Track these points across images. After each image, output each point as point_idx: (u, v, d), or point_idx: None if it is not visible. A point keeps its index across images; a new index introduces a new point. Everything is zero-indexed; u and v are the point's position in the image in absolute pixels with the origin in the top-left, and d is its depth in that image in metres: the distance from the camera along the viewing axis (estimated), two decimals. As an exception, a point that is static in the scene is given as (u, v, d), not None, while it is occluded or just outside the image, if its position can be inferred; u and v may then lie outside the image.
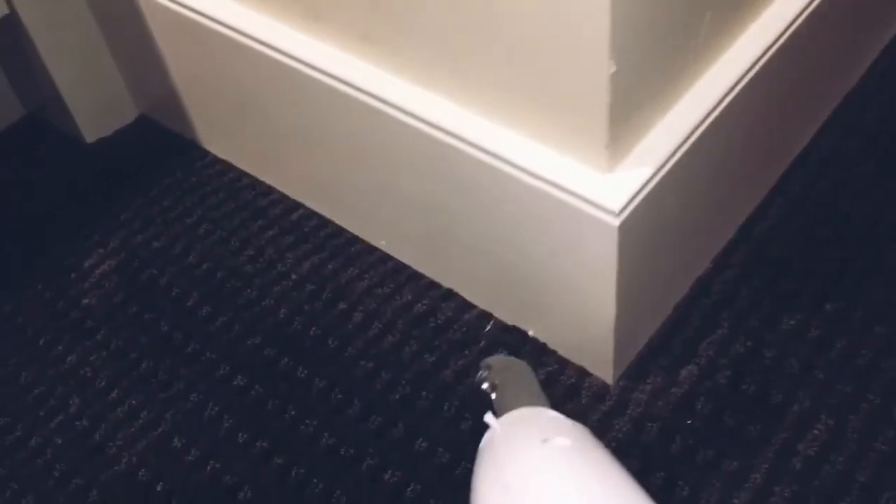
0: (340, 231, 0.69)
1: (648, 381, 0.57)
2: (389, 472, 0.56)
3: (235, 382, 0.61)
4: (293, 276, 0.67)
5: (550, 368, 0.59)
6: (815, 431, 0.54)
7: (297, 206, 0.72)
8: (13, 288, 0.70)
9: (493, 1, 0.46)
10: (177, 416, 0.60)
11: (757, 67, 0.54)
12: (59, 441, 0.60)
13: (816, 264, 0.62)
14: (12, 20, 0.70)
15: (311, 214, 0.71)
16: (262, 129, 0.69)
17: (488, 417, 0.46)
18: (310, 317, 0.64)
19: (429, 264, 0.65)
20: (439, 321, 0.63)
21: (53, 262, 0.71)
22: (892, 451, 0.53)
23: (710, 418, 0.55)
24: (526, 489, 0.41)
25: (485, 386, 0.52)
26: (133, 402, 0.61)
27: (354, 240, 0.68)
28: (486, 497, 0.43)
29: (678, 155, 0.51)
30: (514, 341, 0.60)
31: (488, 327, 0.62)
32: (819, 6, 0.58)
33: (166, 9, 0.66)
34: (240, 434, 0.59)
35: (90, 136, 0.79)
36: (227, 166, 0.76)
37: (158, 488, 0.57)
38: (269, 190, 0.73)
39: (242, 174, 0.75)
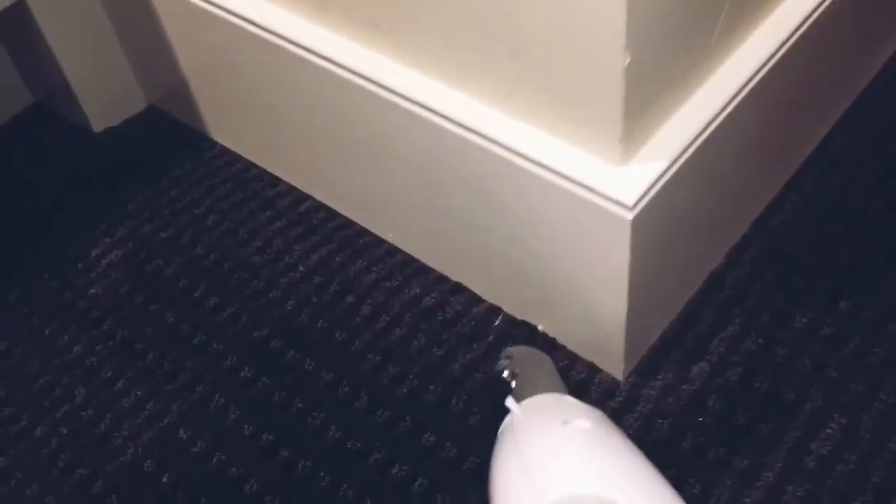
0: (348, 223, 0.69)
1: (659, 377, 0.57)
2: (397, 466, 0.55)
3: (242, 374, 0.61)
4: (301, 268, 0.66)
5: (560, 364, 0.58)
6: (828, 430, 0.54)
7: (305, 197, 0.71)
8: (20, 277, 0.69)
9: (507, -10, 0.46)
10: (183, 407, 0.60)
11: (771, 63, 0.54)
12: (65, 431, 0.60)
13: (829, 261, 0.62)
14: (21, 8, 0.70)
15: (320, 206, 0.70)
16: (271, 120, 0.68)
17: (509, 402, 0.47)
18: (317, 309, 0.64)
19: (437, 257, 0.64)
20: (448, 315, 0.62)
21: (60, 251, 0.70)
22: (906, 451, 0.52)
23: (721, 416, 0.55)
24: (547, 471, 0.41)
25: (505, 374, 0.51)
26: (139, 392, 0.61)
27: (362, 232, 0.68)
28: (506, 479, 0.43)
29: (692, 149, 0.50)
30: (524, 336, 0.60)
31: (497, 322, 0.61)
32: (833, 3, 0.57)
33: (176, -3, 0.65)
34: (246, 426, 0.58)
35: (98, 125, 0.79)
36: (235, 157, 0.75)
37: (164, 479, 0.57)
38: (277, 181, 0.73)
39: (250, 165, 0.74)
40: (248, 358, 0.62)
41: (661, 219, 0.50)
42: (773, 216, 0.64)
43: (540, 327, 0.60)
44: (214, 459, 0.57)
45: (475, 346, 0.60)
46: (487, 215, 0.56)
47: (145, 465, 0.57)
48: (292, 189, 0.72)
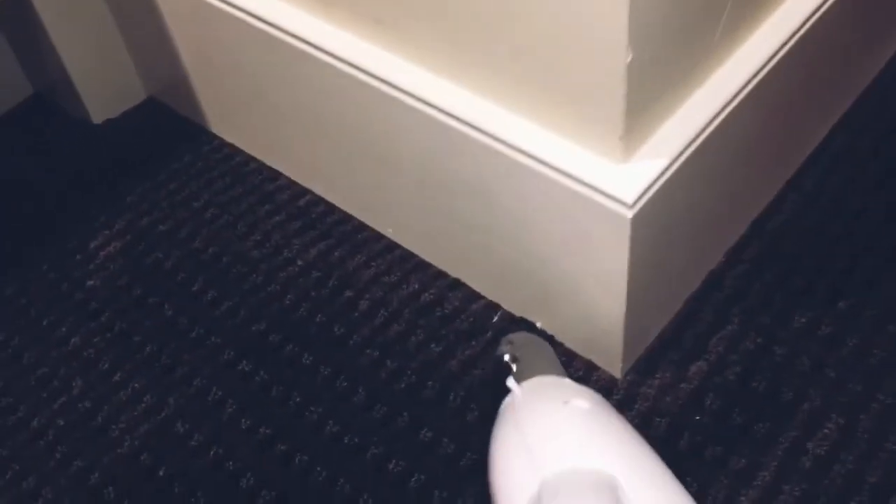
0: (348, 218, 0.69)
1: (657, 375, 0.57)
2: (394, 461, 0.55)
3: (240, 368, 0.61)
4: (299, 263, 0.66)
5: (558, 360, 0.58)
6: (826, 430, 0.54)
7: (305, 191, 0.71)
8: (18, 268, 0.69)
9: (509, -14, 0.45)
10: (180, 400, 0.60)
11: (772, 63, 0.54)
12: (62, 423, 0.60)
13: (829, 261, 0.62)
14: (21, -2, 0.70)
15: (319, 200, 0.70)
16: (271, 114, 0.68)
17: (510, 382, 0.47)
18: (316, 303, 0.64)
19: (436, 253, 0.64)
20: (446, 311, 0.62)
21: (58, 242, 0.70)
22: (903, 452, 0.52)
23: (718, 415, 0.55)
24: (546, 447, 0.42)
25: (507, 357, 0.52)
26: (136, 385, 0.61)
27: (361, 227, 0.68)
28: (506, 455, 0.43)
29: (693, 147, 0.50)
30: (522, 333, 0.60)
31: (496, 318, 0.61)
32: (835, 3, 0.57)
33: (177, -11, 0.65)
34: (243, 420, 0.58)
35: (97, 117, 0.78)
36: (234, 150, 0.75)
37: (161, 473, 0.56)
38: (277, 175, 0.73)
39: (250, 159, 0.74)
40: (246, 352, 0.62)
41: (660, 217, 0.50)
42: (773, 216, 0.64)
43: (538, 324, 0.60)
44: (211, 453, 0.57)
45: (474, 342, 0.60)
46: (487, 212, 0.56)
47: (142, 457, 0.57)
48: (292, 183, 0.72)
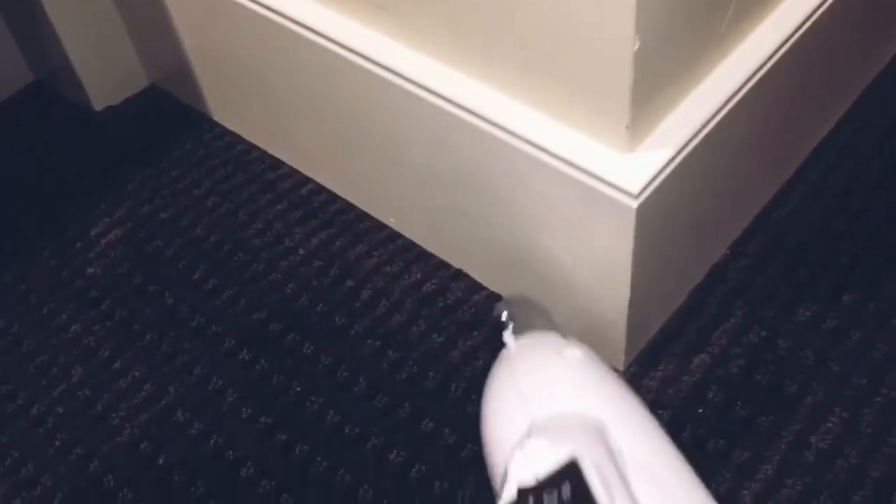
0: (349, 207, 0.68)
1: (660, 368, 0.57)
2: (395, 451, 0.55)
3: (241, 357, 0.61)
4: (301, 252, 0.66)
5: (560, 352, 0.58)
6: (829, 424, 0.53)
7: (307, 180, 0.71)
8: (18, 256, 0.69)
9: (515, -27, 0.45)
10: (180, 389, 0.60)
11: (779, 54, 0.53)
12: (61, 410, 0.60)
13: (833, 255, 0.61)
14: (22, -17, 0.69)
15: (321, 189, 0.70)
16: (273, 102, 0.67)
17: (506, 335, 0.48)
18: (317, 293, 0.63)
19: (438, 243, 0.64)
20: (448, 301, 0.62)
21: (59, 230, 0.70)
22: (907, 447, 0.52)
23: (721, 408, 0.55)
24: (539, 392, 0.42)
25: (504, 315, 0.52)
26: (136, 373, 0.61)
27: (363, 216, 0.68)
28: (499, 400, 0.44)
29: (699, 138, 0.50)
30: (524, 324, 0.60)
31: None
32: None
33: (179, -25, 0.65)
34: (244, 409, 0.58)
35: (98, 104, 0.78)
36: (236, 139, 0.75)
37: (160, 461, 0.56)
38: (279, 164, 0.72)
39: (252, 147, 0.74)
40: (247, 341, 0.61)
41: (665, 208, 0.50)
42: (778, 208, 0.64)
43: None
44: (212, 442, 0.57)
45: (475, 333, 0.60)
46: (490, 201, 0.56)
47: (141, 446, 0.57)
48: (294, 172, 0.71)
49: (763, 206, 0.64)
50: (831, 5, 0.56)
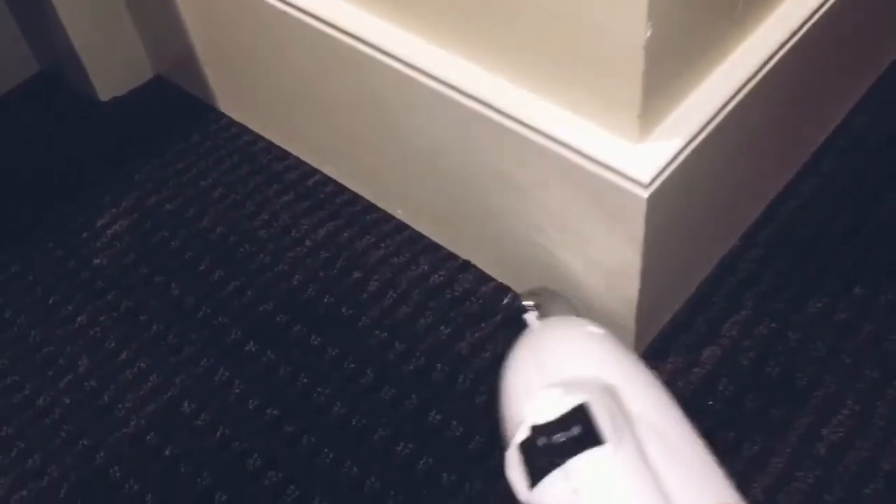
0: (356, 198, 0.68)
1: (669, 360, 0.56)
2: (402, 444, 0.55)
3: (247, 348, 0.60)
4: (307, 243, 0.66)
5: (569, 344, 0.57)
6: (840, 416, 0.53)
7: (314, 171, 0.70)
8: (24, 246, 0.69)
9: (526, -41, 0.44)
10: (187, 380, 0.59)
11: (791, 43, 0.53)
12: (67, 401, 0.59)
13: (844, 246, 0.61)
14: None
15: (328, 181, 0.69)
16: (279, 93, 0.67)
17: (528, 316, 0.50)
18: (324, 284, 0.63)
19: (446, 235, 0.64)
20: (456, 293, 0.61)
21: (65, 220, 0.70)
22: (919, 440, 0.52)
23: (731, 400, 0.54)
24: (556, 360, 0.44)
25: (526, 303, 0.53)
26: (142, 364, 0.60)
27: (371, 208, 0.67)
28: (518, 369, 0.46)
29: (710, 127, 0.49)
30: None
31: (506, 300, 0.60)
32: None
33: (186, -36, 0.64)
34: (250, 400, 0.58)
35: (105, 94, 0.78)
36: (242, 129, 0.74)
37: (167, 452, 0.56)
38: (285, 155, 0.72)
39: (258, 138, 0.73)
40: (254, 332, 0.61)
41: (676, 198, 0.49)
42: (788, 200, 0.64)
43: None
44: (218, 433, 0.56)
45: (483, 324, 0.59)
46: (499, 192, 0.55)
47: (148, 437, 0.57)
48: (300, 163, 0.71)
49: (774, 197, 0.64)
50: (844, -6, 0.55)
